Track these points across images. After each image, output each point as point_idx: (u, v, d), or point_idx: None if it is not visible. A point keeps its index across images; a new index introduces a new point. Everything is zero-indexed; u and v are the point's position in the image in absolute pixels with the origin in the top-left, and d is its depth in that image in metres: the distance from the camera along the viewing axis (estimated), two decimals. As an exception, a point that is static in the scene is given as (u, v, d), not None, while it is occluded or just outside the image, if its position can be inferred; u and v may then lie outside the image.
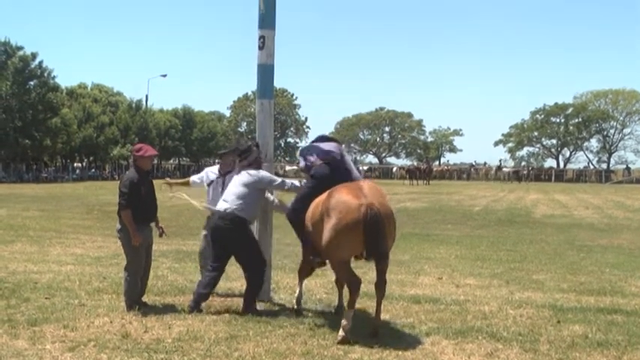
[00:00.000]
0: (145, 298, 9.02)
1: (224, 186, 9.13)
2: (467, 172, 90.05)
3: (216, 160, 9.07)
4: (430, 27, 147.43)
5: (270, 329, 7.62)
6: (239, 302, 8.67)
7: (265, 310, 8.66)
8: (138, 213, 8.58)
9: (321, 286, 10.32)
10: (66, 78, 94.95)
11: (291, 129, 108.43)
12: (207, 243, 9.20)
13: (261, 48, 8.74)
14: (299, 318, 8.25)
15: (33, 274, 11.09)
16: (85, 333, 7.40)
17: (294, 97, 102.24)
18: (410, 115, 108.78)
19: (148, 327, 7.68)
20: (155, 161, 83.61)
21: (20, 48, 68.04)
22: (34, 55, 67.90)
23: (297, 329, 7.68)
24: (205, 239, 9.39)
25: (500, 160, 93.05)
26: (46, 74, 68.36)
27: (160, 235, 9.03)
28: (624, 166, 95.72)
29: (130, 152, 51.87)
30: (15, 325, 7.55)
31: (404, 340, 7.39)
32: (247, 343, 7.08)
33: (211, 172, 9.82)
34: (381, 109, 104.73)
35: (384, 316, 8.17)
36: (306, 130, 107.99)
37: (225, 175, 9.46)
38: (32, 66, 67.75)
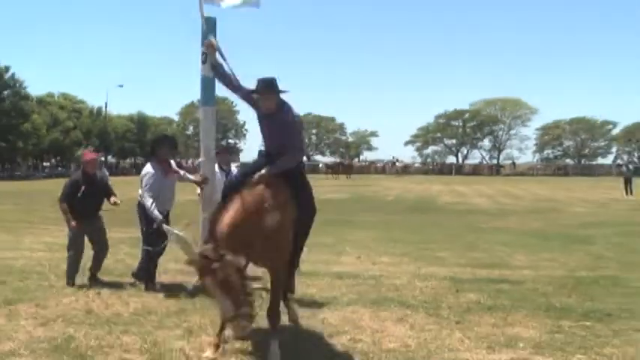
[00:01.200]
0: (106, 278, 8.95)
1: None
2: (381, 168, 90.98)
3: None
4: (351, 38, 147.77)
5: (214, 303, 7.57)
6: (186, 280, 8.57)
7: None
8: (78, 207, 8.73)
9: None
10: (35, 87, 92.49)
11: (232, 132, 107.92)
12: None
13: (203, 62, 8.63)
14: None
15: (9, 260, 10.79)
16: (55, 310, 7.24)
17: (233, 104, 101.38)
18: (333, 119, 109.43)
19: (109, 304, 7.56)
20: (113, 160, 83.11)
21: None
22: (7, 68, 66.19)
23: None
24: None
25: (393, 157, 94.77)
26: (17, 85, 66.76)
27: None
28: (510, 161, 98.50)
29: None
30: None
31: (328, 309, 7.43)
32: (194, 315, 7.03)
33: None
34: (308, 114, 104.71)
35: (311, 290, 8.24)
36: (244, 132, 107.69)
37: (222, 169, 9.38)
38: (6, 77, 65.94)
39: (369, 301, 7.84)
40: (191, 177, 8.83)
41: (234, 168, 9.41)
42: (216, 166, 9.32)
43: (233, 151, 14.61)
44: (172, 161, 9.05)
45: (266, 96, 5.99)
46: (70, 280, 8.69)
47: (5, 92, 66.28)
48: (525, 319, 7.00)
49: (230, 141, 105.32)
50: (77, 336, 6.14)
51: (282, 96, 6.02)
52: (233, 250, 5.10)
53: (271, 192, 5.62)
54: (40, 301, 7.69)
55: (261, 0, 8.79)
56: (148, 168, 8.61)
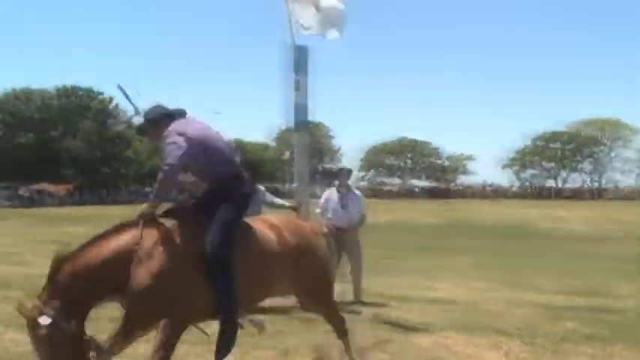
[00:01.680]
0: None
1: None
2: (479, 192, 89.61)
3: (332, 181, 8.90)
4: (446, 61, 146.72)
5: (310, 326, 7.74)
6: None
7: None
8: None
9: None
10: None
11: (327, 157, 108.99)
12: None
13: (296, 89, 8.90)
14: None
15: None
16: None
17: (329, 129, 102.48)
18: (428, 143, 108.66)
19: (209, 322, 7.77)
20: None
21: (100, 93, 69.66)
22: (111, 99, 69.45)
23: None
24: None
25: (484, 181, 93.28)
26: (120, 114, 69.93)
27: None
28: (613, 185, 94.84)
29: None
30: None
31: (422, 334, 7.45)
32: (291, 337, 7.21)
33: (329, 195, 9.77)
34: (404, 138, 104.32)
35: (405, 315, 8.29)
36: (339, 157, 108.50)
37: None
38: (110, 107, 69.30)
39: (463, 326, 7.80)
40: (280, 201, 9.11)
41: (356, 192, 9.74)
42: (335, 190, 9.56)
43: (342, 175, 15.00)
44: (261, 186, 9.32)
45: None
46: None
47: (109, 121, 69.63)
48: (625, 351, 6.81)
49: (326, 165, 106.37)
50: (179, 352, 6.42)
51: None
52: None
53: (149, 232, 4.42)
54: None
55: (344, 30, 9.06)
56: None
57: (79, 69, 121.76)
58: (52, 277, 4.19)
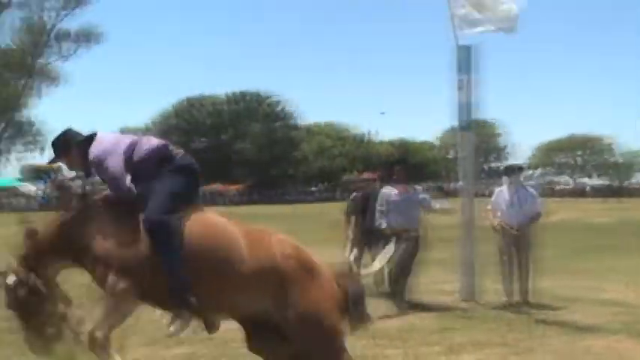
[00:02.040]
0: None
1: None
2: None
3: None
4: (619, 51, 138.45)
5: (474, 324, 7.80)
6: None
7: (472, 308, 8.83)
8: None
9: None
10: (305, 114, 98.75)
11: (493, 155, 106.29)
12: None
13: (460, 89, 8.96)
14: (498, 316, 8.33)
15: None
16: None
17: (497, 127, 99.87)
18: (600, 139, 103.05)
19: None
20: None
21: (268, 96, 72.49)
22: (277, 102, 72.05)
23: (496, 324, 7.80)
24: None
25: None
26: (288, 117, 72.33)
27: None
28: None
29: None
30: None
31: (591, 337, 7.28)
32: (456, 334, 7.32)
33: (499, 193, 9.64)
34: (574, 135, 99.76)
35: (574, 316, 8.13)
36: (506, 155, 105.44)
37: None
38: (277, 110, 71.91)
39: (636, 331, 7.51)
40: (438, 206, 9.28)
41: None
42: (506, 187, 9.51)
43: (513, 172, 15.05)
44: (418, 187, 9.51)
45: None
46: None
47: (277, 124, 72.27)
48: None
49: (492, 165, 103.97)
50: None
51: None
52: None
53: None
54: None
55: (518, 26, 8.97)
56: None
57: (249, 73, 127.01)
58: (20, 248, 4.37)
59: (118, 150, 4.31)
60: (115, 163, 4.27)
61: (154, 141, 4.50)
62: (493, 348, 6.70)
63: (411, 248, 8.96)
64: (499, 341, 6.94)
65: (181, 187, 4.37)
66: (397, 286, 8.94)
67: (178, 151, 4.52)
